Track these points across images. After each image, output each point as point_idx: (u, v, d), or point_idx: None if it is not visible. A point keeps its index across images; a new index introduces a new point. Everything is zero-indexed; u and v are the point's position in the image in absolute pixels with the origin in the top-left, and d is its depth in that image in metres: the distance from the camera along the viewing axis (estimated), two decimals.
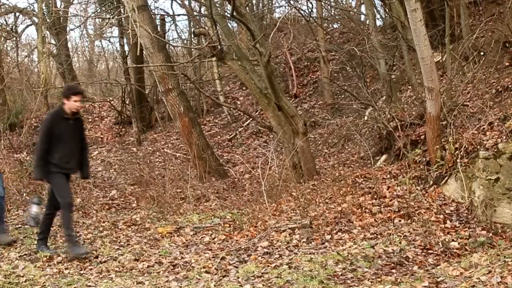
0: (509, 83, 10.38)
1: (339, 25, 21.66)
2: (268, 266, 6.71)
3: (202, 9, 18.36)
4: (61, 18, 21.07)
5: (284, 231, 8.17)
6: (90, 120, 20.35)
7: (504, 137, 8.74)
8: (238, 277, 6.35)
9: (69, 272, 6.81)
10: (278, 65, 19.64)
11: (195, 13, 17.83)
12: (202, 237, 8.33)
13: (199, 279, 6.35)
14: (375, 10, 16.19)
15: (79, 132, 7.89)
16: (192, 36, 20.82)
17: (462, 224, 8.04)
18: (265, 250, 7.50)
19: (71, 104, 7.53)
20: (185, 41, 23.18)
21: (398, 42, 13.96)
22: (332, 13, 21.55)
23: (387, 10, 16.46)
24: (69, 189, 7.78)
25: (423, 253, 6.94)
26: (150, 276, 6.59)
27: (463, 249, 7.06)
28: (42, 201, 8.01)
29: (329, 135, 15.27)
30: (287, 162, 11.42)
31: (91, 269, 6.99)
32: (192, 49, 18.44)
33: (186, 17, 20.31)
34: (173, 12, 29.93)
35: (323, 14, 19.19)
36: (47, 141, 7.44)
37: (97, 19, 24.16)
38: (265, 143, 15.21)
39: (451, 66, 11.88)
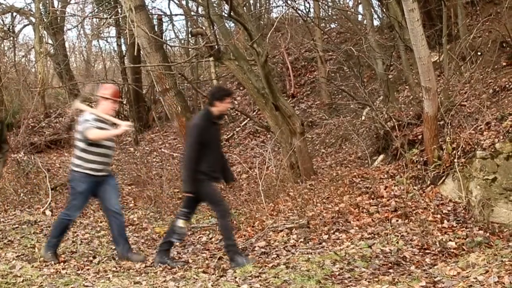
0: (506, 83, 10.39)
1: (336, 25, 21.66)
2: (266, 266, 6.71)
3: (200, 9, 18.34)
4: (58, 18, 21.01)
5: (281, 231, 8.17)
6: None
7: (501, 137, 8.74)
8: (236, 277, 6.34)
9: (66, 272, 6.79)
10: (276, 65, 19.64)
11: (192, 13, 17.81)
12: (199, 237, 8.33)
13: (196, 279, 6.35)
14: (372, 10, 16.22)
15: (220, 136, 7.64)
16: (190, 36, 20.87)
17: (460, 224, 8.06)
18: (263, 250, 7.51)
19: (223, 107, 7.11)
20: (182, 41, 23.22)
21: (395, 42, 13.98)
22: (330, 13, 21.55)
23: (384, 10, 16.48)
24: (221, 196, 7.47)
25: (420, 253, 6.94)
26: (148, 276, 6.59)
27: (460, 249, 7.07)
28: (190, 215, 7.41)
29: (326, 135, 15.28)
30: (285, 162, 11.43)
31: (88, 269, 6.97)
32: (190, 49, 18.46)
33: (183, 17, 20.39)
34: (171, 12, 29.98)
35: (321, 14, 19.18)
36: (198, 149, 6.89)
37: (94, 19, 24.13)
38: (263, 143, 15.22)
39: (448, 66, 11.89)
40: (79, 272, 6.87)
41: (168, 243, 7.24)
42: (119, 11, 16.96)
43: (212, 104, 7.06)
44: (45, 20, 19.84)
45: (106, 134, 7.22)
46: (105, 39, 25.29)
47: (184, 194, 7.16)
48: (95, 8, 21.62)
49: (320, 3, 17.80)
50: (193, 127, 7.11)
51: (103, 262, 7.24)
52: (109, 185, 7.38)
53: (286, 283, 6.03)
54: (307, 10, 19.04)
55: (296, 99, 18.39)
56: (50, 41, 21.94)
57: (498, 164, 8.60)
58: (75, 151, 7.27)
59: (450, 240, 7.31)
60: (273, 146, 13.17)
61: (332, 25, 22.15)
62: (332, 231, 8.07)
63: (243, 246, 7.65)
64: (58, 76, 22.70)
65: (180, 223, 7.11)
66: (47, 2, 20.47)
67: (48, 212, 10.17)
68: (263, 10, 21.42)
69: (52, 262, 7.08)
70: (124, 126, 7.24)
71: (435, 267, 6.05)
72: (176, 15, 29.32)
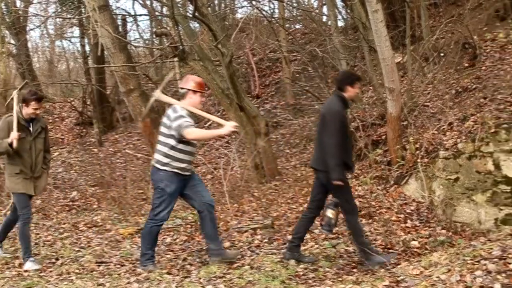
0: (469, 83, 10.52)
1: (301, 25, 21.69)
2: (230, 266, 6.68)
3: (164, 9, 18.21)
4: (21, 17, 20.70)
5: (246, 231, 8.17)
6: (50, 121, 20.05)
7: (464, 137, 8.85)
8: (200, 278, 6.31)
9: (28, 275, 6.69)
10: (240, 66, 19.58)
11: (156, 13, 17.67)
12: (163, 238, 8.25)
13: (160, 280, 6.29)
14: (337, 11, 16.28)
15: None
16: (154, 36, 20.69)
17: (423, 224, 8.14)
18: (227, 250, 7.47)
19: (354, 92, 6.87)
20: (146, 42, 23.03)
21: (359, 43, 14.05)
22: (294, 14, 21.58)
23: (348, 11, 16.56)
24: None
25: (384, 253, 6.99)
26: (111, 278, 6.51)
27: (423, 248, 7.15)
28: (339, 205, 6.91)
29: (291, 135, 15.28)
30: (249, 163, 11.42)
31: (51, 271, 6.87)
32: (154, 50, 18.33)
33: (147, 17, 20.20)
34: (135, 12, 29.61)
35: (285, 15, 19.21)
36: (341, 136, 6.54)
37: (57, 19, 23.75)
38: (227, 143, 15.14)
39: (411, 67, 12.00)
40: (41, 274, 6.77)
41: (299, 238, 6.98)
42: (83, 11, 16.80)
43: (343, 89, 6.78)
44: (7, 19, 19.51)
45: (208, 134, 6.86)
46: (68, 39, 25.01)
47: (335, 182, 6.53)
48: (58, 8, 21.30)
49: (284, 4, 17.84)
50: (335, 113, 6.65)
51: (66, 264, 7.13)
52: (195, 181, 6.97)
53: (250, 283, 6.02)
54: (271, 10, 19.07)
55: (261, 99, 18.35)
56: (12, 41, 21.58)
57: (461, 164, 8.71)
58: (162, 148, 6.73)
59: (413, 240, 7.39)
60: (238, 146, 13.15)
61: (297, 26, 22.17)
62: None
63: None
64: (21, 77, 22.27)
65: (330, 213, 6.79)
66: (9, 1, 20.13)
67: None
68: (228, 11, 21.35)
69: (160, 271, 6.68)
70: (230, 126, 6.56)
71: (399, 266, 6.10)
72: (140, 15, 29.08)
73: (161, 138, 6.79)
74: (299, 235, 6.99)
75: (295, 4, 20.36)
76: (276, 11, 18.19)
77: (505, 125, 8.66)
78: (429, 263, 5.09)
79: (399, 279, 4.90)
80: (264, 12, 17.06)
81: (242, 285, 5.98)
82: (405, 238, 7.45)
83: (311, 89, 15.79)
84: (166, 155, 6.65)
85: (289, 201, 9.46)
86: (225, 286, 6.01)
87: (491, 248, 4.75)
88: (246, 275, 6.28)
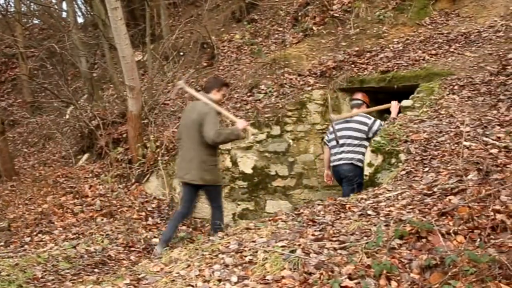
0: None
1: (39, 21, 20.78)
2: None
3: None
4: None
5: None
6: None
7: None
8: None
9: None
10: None
11: None
12: None
13: None
14: (77, 7, 15.89)
15: None
16: None
17: (164, 221, 8.25)
18: None
19: None
20: None
21: (99, 41, 13.83)
22: (32, 9, 20.60)
23: (88, 8, 16.23)
24: None
25: (125, 251, 6.96)
26: None
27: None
28: None
29: (29, 134, 14.58)
30: None
31: None
32: None
33: None
34: None
35: (22, 9, 18.26)
36: None
37: None
38: None
39: (152, 66, 12.10)
40: None
41: None
42: None
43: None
44: None
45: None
46: None
47: None
48: None
49: None
50: None
51: None
52: None
53: None
54: (6, 4, 18.02)
55: None
56: None
57: None
58: (360, 148, 7.53)
59: (154, 237, 7.45)
60: None
61: (35, 21, 21.19)
62: (35, 233, 7.84)
63: None
64: None
65: None
66: None
67: None
68: None
69: None
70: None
71: (139, 264, 6.07)
72: None
73: (357, 140, 7.62)
74: None
75: None
76: (12, 4, 17.19)
77: None
78: (169, 259, 5.12)
79: (139, 276, 4.85)
80: None
81: None
82: (147, 235, 7.48)
83: (50, 87, 15.21)
84: (363, 154, 7.46)
85: (27, 202, 9.03)
86: None
87: (229, 242, 4.91)
88: None
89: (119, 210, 8.42)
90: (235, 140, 7.67)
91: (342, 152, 7.60)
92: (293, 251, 4.30)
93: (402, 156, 6.43)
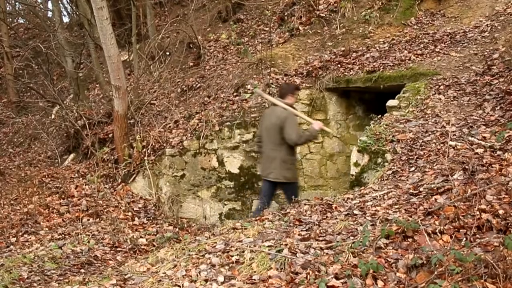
0: (194, 82, 10.87)
1: (24, 20, 20.67)
2: None
3: None
4: None
5: None
6: None
7: (189, 135, 9.13)
8: None
9: None
10: None
11: None
12: None
13: None
14: (62, 7, 15.80)
15: None
16: None
17: (150, 221, 8.21)
18: None
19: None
20: None
21: (85, 40, 13.77)
22: (17, 8, 20.49)
23: (73, 7, 16.14)
24: None
25: (111, 251, 6.92)
26: None
27: (150, 245, 7.21)
28: None
29: (14, 134, 14.49)
30: None
31: None
32: None
33: None
34: None
35: (7, 8, 18.15)
36: None
37: None
38: None
39: (138, 65, 12.05)
40: None
41: None
42: None
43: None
44: None
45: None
46: None
47: None
48: None
49: None
50: None
51: None
52: None
53: None
54: None
55: None
56: None
57: (186, 161, 8.97)
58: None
59: (141, 237, 7.41)
60: None
61: (20, 21, 21.07)
62: (20, 234, 7.76)
63: None
64: None
65: None
66: None
67: None
68: None
69: None
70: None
71: (126, 264, 6.05)
72: None
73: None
74: None
75: None
76: None
77: (228, 123, 9.11)
78: (156, 259, 5.12)
79: (126, 277, 4.84)
80: None
81: None
82: (133, 235, 7.44)
83: (36, 86, 15.14)
84: None
85: (12, 202, 8.96)
86: None
87: (215, 242, 4.92)
88: None
89: (105, 210, 8.37)
90: (313, 141, 8.47)
91: None
92: (279, 251, 4.31)
93: (388, 156, 6.47)
